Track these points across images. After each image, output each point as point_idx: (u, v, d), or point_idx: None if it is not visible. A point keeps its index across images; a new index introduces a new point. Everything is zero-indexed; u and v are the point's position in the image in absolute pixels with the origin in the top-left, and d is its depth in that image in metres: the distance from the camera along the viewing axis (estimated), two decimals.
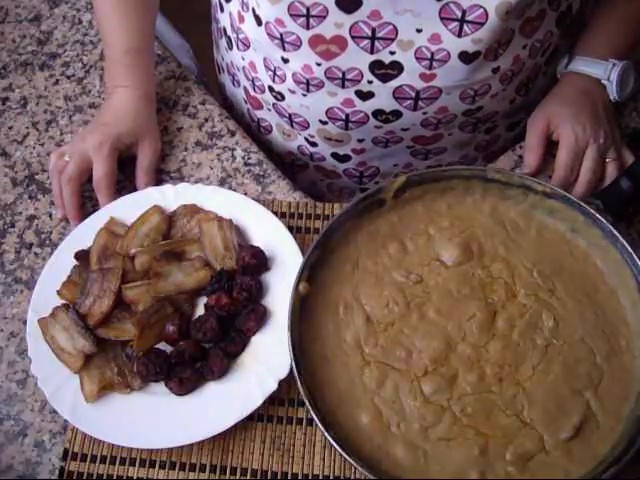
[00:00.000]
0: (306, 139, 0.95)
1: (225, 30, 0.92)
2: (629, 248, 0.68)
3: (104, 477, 0.71)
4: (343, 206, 0.76)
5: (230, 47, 0.93)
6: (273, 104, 0.92)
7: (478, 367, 0.67)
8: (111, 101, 0.90)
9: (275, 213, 0.81)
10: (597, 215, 0.70)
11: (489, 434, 0.64)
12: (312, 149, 0.97)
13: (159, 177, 0.90)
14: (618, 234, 0.69)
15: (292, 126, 0.94)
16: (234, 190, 0.85)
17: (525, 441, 0.63)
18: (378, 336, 0.69)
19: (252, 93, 0.94)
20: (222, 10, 0.91)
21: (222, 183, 0.88)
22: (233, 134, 0.93)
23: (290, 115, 0.91)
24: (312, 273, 0.71)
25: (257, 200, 0.82)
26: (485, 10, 0.72)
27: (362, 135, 0.90)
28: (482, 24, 0.73)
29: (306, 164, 1.01)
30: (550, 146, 0.85)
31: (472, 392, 0.66)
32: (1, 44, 1.05)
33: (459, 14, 0.73)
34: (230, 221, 0.79)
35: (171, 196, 0.83)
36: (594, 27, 0.87)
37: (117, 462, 0.72)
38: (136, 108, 0.89)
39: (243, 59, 0.90)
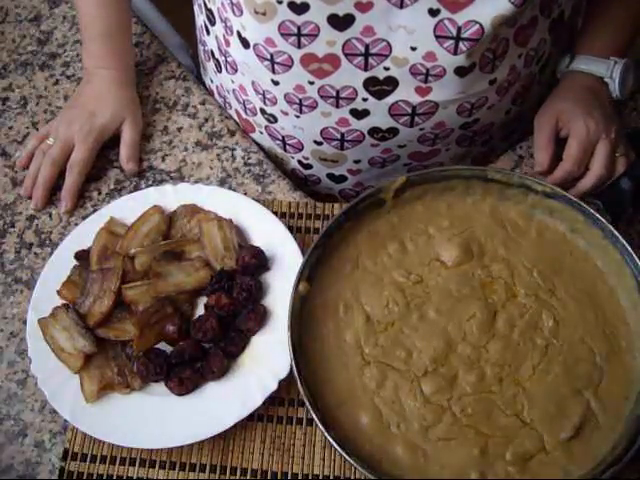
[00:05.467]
0: (300, 162, 0.93)
1: (213, 53, 0.90)
2: (629, 248, 0.68)
3: (104, 477, 0.71)
4: (343, 206, 0.76)
5: (219, 70, 0.91)
6: (265, 126, 0.90)
7: (478, 367, 0.67)
8: (94, 84, 0.92)
9: (275, 213, 0.81)
10: (597, 215, 0.70)
11: (489, 434, 0.64)
12: (306, 171, 0.95)
13: (159, 177, 0.90)
14: (618, 234, 0.69)
15: (285, 149, 0.92)
16: (234, 190, 0.85)
17: (525, 441, 0.63)
18: (378, 336, 0.69)
19: (244, 116, 0.92)
20: (208, 33, 0.88)
21: (222, 183, 0.88)
22: (233, 134, 0.93)
23: (283, 137, 0.89)
24: (312, 273, 0.71)
25: (257, 200, 0.82)
26: (481, 25, 0.70)
27: (358, 155, 0.88)
28: (478, 40, 0.71)
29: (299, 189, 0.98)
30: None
31: (472, 392, 0.66)
32: (1, 44, 1.05)
33: (454, 32, 0.71)
34: (230, 221, 0.79)
35: (171, 196, 0.83)
36: (593, 25, 0.87)
37: (117, 462, 0.72)
38: (119, 92, 0.92)
39: (233, 82, 0.88)
